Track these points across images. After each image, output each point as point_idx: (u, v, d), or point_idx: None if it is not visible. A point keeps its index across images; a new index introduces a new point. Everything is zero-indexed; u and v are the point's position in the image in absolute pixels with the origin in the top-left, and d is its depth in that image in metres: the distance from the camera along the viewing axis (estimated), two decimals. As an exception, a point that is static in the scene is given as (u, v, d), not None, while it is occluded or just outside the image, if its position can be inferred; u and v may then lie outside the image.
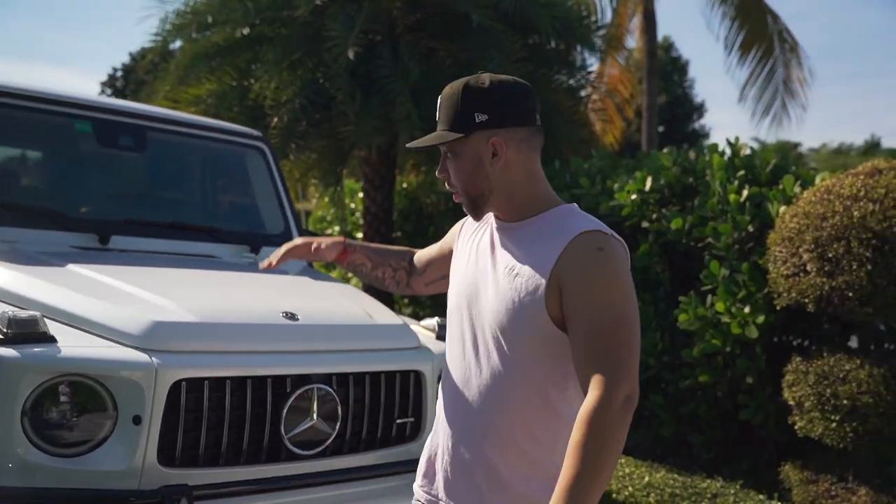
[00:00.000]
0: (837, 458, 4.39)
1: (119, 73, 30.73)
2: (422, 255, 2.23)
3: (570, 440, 1.58)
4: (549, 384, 1.72)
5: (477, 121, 1.75)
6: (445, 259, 2.08)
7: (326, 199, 9.48)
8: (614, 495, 4.27)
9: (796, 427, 4.32)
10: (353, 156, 8.10)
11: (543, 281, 1.68)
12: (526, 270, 1.71)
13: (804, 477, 4.31)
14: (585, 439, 1.54)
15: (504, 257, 1.77)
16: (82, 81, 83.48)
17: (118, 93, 28.90)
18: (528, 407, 1.72)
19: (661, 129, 27.23)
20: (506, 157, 1.76)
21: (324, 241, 2.27)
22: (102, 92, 30.12)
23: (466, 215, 1.92)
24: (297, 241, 2.32)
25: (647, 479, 4.42)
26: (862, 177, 4.16)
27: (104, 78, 31.57)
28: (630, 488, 4.31)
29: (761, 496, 4.32)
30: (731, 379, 4.82)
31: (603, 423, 1.55)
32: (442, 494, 1.82)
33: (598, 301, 1.63)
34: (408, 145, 1.88)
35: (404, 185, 8.91)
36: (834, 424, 4.07)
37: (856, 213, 3.99)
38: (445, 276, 2.03)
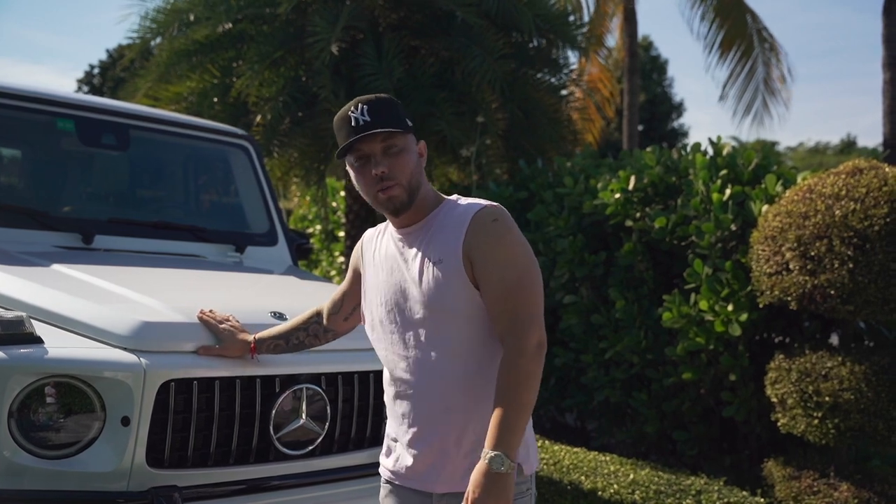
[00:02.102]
0: (819, 455, 4.44)
1: (96, 71, 30.45)
2: (332, 297, 2.45)
3: (496, 384, 1.87)
4: (490, 351, 1.98)
5: (409, 125, 2.03)
6: (355, 288, 2.30)
7: (308, 198, 9.46)
8: (599, 493, 4.29)
9: (779, 424, 4.36)
10: (335, 154, 8.07)
11: (459, 259, 1.95)
12: (443, 258, 1.96)
13: (787, 473, 4.35)
14: (508, 382, 1.85)
15: (418, 257, 2.01)
16: (59, 79, 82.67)
17: (95, 90, 28.64)
18: (478, 371, 1.98)
19: (640, 127, 27.34)
20: (423, 162, 2.06)
21: (229, 348, 2.61)
22: (79, 90, 29.83)
23: (359, 244, 2.26)
24: (223, 324, 2.66)
25: (631, 476, 4.44)
26: (843, 176, 4.20)
27: (81, 75, 31.29)
28: (615, 486, 4.32)
29: (744, 492, 4.35)
30: (714, 376, 4.86)
31: (521, 366, 1.86)
32: (413, 473, 2.04)
33: (502, 264, 1.93)
34: (374, 132, 1.98)
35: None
36: (816, 421, 4.11)
37: (837, 212, 4.03)
38: (358, 306, 2.27)
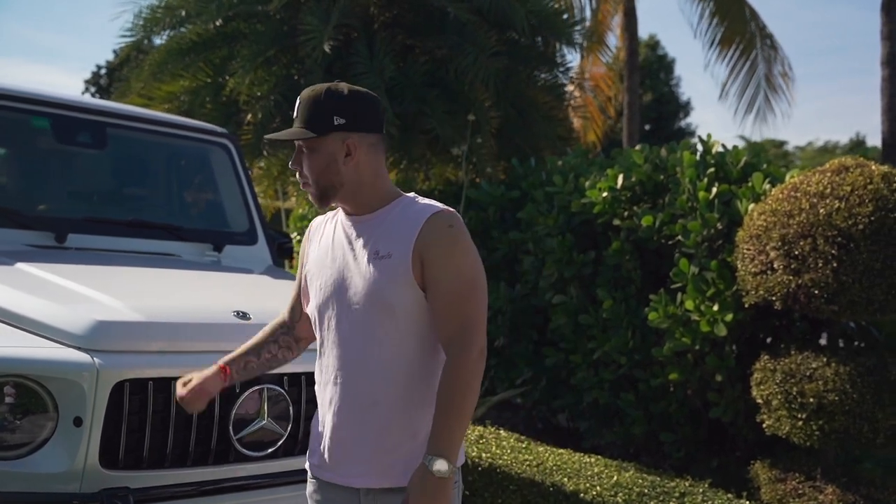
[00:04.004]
0: (807, 457, 4.38)
1: (103, 71, 30.52)
2: (290, 305, 2.29)
3: (438, 389, 1.90)
4: (422, 349, 1.98)
5: (335, 123, 1.98)
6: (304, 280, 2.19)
7: (304, 198, 9.44)
8: (582, 495, 4.23)
9: (764, 425, 4.30)
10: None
11: (409, 258, 1.94)
12: (392, 252, 1.95)
13: (772, 475, 4.29)
14: (452, 388, 1.88)
15: (366, 248, 2.00)
16: (67, 79, 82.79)
17: (102, 91, 28.73)
18: (408, 369, 1.97)
19: (647, 127, 27.24)
20: (357, 158, 2.00)
21: (205, 379, 2.17)
22: (87, 90, 29.94)
23: (307, 232, 2.20)
24: (182, 391, 2.17)
25: (615, 478, 4.38)
26: (829, 174, 4.14)
27: (89, 76, 31.38)
28: (598, 487, 4.26)
29: (729, 495, 4.28)
30: (700, 377, 4.80)
31: (464, 374, 1.89)
32: (336, 465, 2.01)
33: (455, 271, 1.94)
34: (266, 137, 2.11)
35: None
36: (800, 423, 4.05)
37: (822, 211, 3.96)
38: None
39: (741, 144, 5.07)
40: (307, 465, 2.12)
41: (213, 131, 4.42)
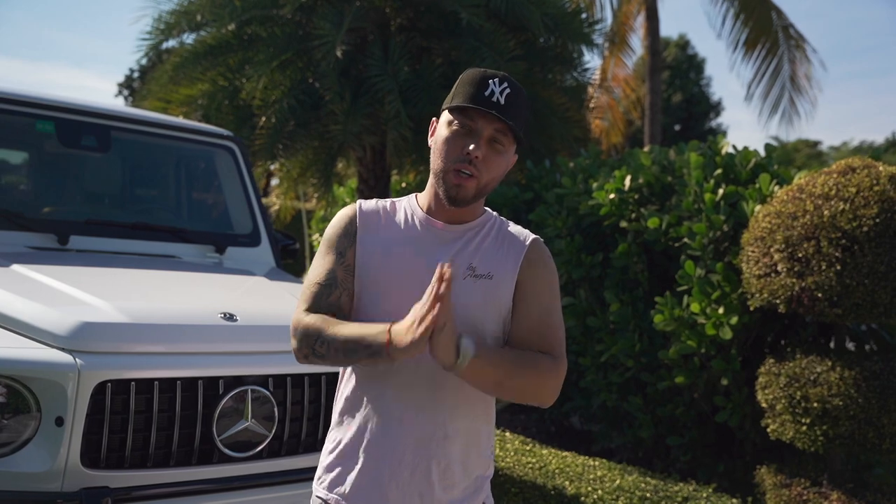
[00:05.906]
0: (814, 462, 4.31)
1: (136, 74, 30.92)
2: (329, 307, 1.83)
3: (526, 354, 1.78)
4: None
5: (521, 135, 1.84)
6: (351, 272, 1.86)
7: (324, 201, 9.48)
8: (583, 498, 4.20)
9: (769, 430, 4.24)
10: (350, 155, 8.09)
11: (513, 281, 1.85)
12: (492, 274, 1.83)
13: (777, 481, 4.23)
14: (534, 365, 1.76)
15: (462, 260, 1.83)
16: (100, 83, 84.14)
17: (135, 93, 29.11)
18: (480, 401, 1.86)
19: (677, 127, 26.99)
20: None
21: None
22: (119, 93, 30.37)
23: (349, 214, 1.90)
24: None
25: (618, 482, 4.35)
26: (835, 175, 4.07)
27: (122, 79, 31.80)
28: (599, 491, 4.23)
29: (734, 500, 4.23)
30: (707, 381, 4.74)
31: (547, 376, 1.77)
32: (389, 500, 1.79)
33: (551, 298, 1.87)
34: (501, 117, 1.76)
35: (403, 185, 8.89)
36: (805, 428, 3.99)
37: (826, 213, 3.90)
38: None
39: (775, 145, 4.94)
40: (323, 493, 1.86)
41: (218, 134, 4.45)
